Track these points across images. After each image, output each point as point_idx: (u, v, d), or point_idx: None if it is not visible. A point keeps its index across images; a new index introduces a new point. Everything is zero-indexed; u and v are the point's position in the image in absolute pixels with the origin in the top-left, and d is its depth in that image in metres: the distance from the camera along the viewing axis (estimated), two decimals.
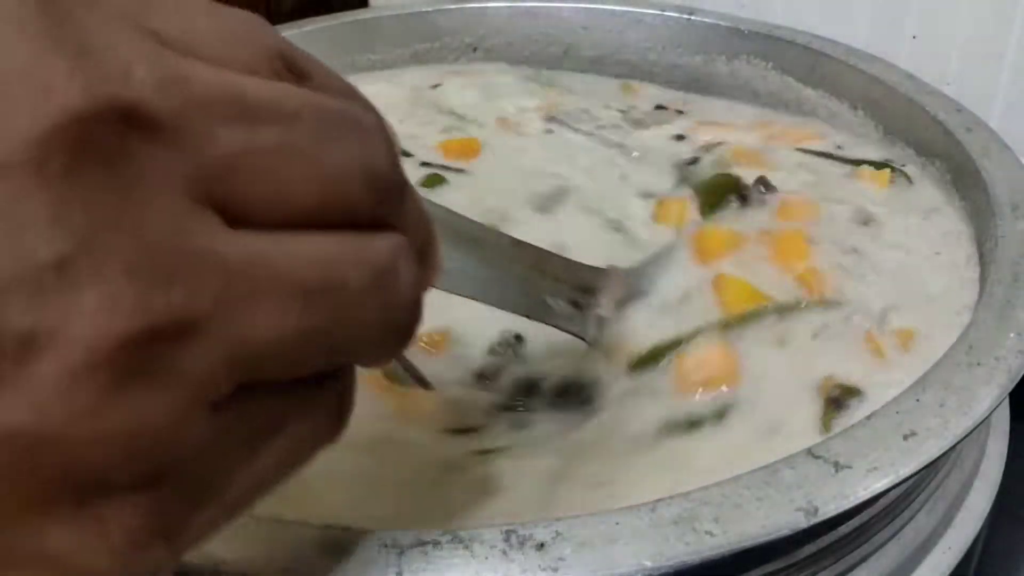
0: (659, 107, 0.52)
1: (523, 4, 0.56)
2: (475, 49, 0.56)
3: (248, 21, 0.16)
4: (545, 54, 0.56)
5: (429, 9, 0.56)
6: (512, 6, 0.56)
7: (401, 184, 0.17)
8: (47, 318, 0.12)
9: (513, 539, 0.23)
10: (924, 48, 0.51)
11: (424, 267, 0.18)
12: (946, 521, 0.32)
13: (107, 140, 0.13)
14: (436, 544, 0.23)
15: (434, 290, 0.20)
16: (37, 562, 0.14)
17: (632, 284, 0.34)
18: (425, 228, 0.19)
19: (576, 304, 0.32)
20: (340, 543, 0.23)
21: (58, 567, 0.14)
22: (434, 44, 0.56)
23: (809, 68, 0.50)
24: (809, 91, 0.50)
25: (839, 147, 0.46)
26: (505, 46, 0.56)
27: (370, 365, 0.18)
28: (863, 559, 0.29)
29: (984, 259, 0.35)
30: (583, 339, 0.33)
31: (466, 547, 0.23)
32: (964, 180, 0.40)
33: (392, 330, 0.18)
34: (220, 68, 0.15)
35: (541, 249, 0.33)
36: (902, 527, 0.30)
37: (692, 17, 0.53)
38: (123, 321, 0.13)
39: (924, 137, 0.43)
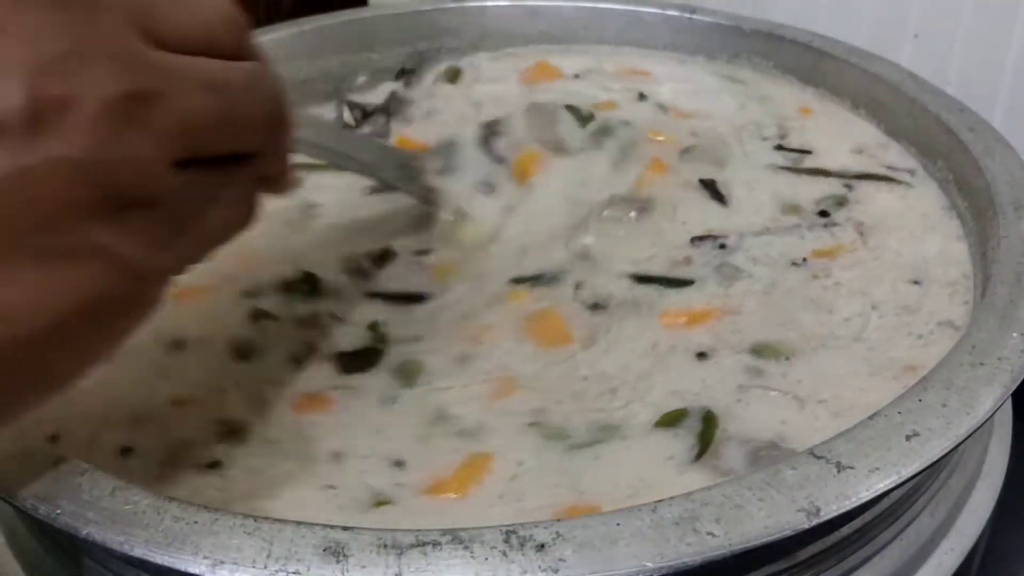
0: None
1: (523, 3, 0.56)
2: (475, 49, 0.56)
3: None
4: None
5: (429, 8, 0.56)
6: (512, 5, 0.56)
7: (244, 23, 0.26)
8: (74, 82, 0.21)
9: (513, 540, 0.23)
10: (926, 47, 0.51)
11: (279, 88, 0.27)
12: (949, 522, 0.32)
13: None
14: (436, 545, 0.23)
15: None
16: (92, 254, 0.22)
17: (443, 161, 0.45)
18: (272, 67, 0.27)
19: (403, 174, 0.44)
20: (340, 543, 0.23)
21: (109, 258, 0.22)
22: (433, 43, 0.56)
23: (811, 67, 0.50)
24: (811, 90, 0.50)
25: None
26: (505, 46, 0.56)
27: (271, 168, 0.28)
28: (865, 560, 0.29)
29: (987, 259, 0.35)
30: (423, 201, 0.44)
31: (466, 547, 0.23)
32: (966, 180, 0.40)
33: (272, 125, 0.27)
34: None
35: (370, 138, 0.49)
36: (905, 528, 0.30)
37: (693, 16, 0.53)
38: (121, 83, 0.21)
39: (926, 137, 0.43)
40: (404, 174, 0.44)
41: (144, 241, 0.23)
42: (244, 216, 0.27)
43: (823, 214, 0.41)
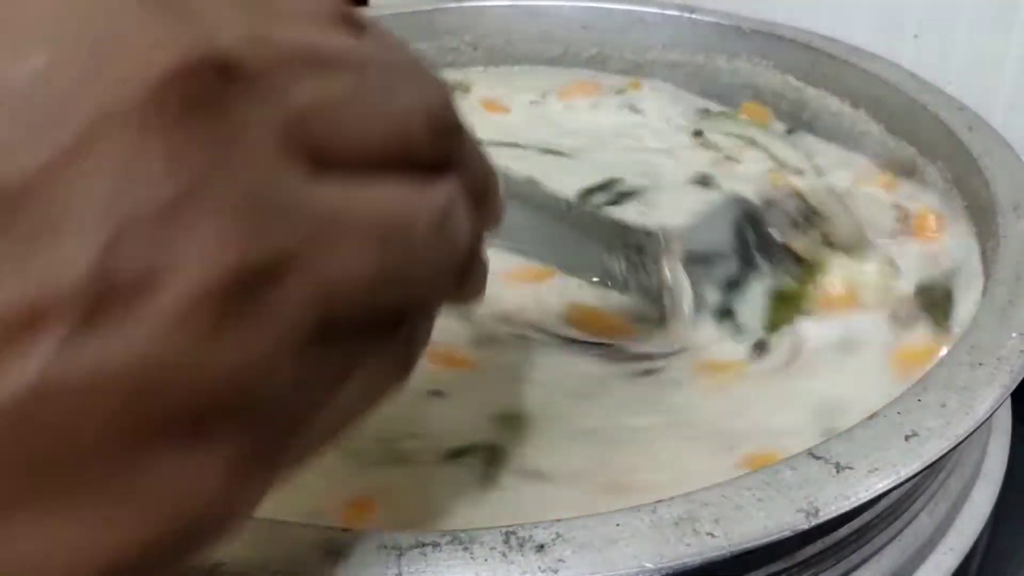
0: None
1: (523, 3, 0.56)
2: (475, 48, 0.56)
3: None
4: (544, 53, 0.56)
5: (428, 8, 0.56)
6: (512, 5, 0.56)
7: (458, 124, 0.19)
8: (163, 255, 0.13)
9: (513, 540, 0.23)
10: (926, 47, 0.51)
11: (483, 210, 0.20)
12: (948, 522, 0.32)
13: (209, 91, 0.14)
14: (435, 545, 0.23)
15: None
16: (153, 493, 0.14)
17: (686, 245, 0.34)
18: (484, 169, 0.20)
19: (632, 265, 0.32)
20: (339, 544, 0.23)
21: (173, 497, 0.14)
22: (433, 43, 0.56)
23: (810, 67, 0.50)
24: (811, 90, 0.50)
25: None
26: (504, 45, 0.56)
27: (438, 310, 0.20)
28: (864, 560, 0.29)
29: (986, 258, 0.35)
30: (648, 301, 0.32)
31: (465, 548, 0.23)
32: (966, 179, 0.40)
33: (454, 270, 0.19)
34: (296, 25, 0.16)
35: (595, 211, 0.34)
36: (903, 528, 0.30)
37: (693, 15, 0.53)
38: (231, 258, 0.14)
39: (926, 136, 0.43)
40: (631, 262, 0.32)
41: (236, 462, 0.15)
42: (393, 381, 0.19)
43: None
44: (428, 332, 0.20)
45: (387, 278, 0.17)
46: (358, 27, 0.18)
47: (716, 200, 0.38)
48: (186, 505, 0.15)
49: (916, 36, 0.51)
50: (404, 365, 0.19)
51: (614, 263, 0.31)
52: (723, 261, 0.34)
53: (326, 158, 0.16)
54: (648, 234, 0.34)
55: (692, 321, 0.33)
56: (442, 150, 0.18)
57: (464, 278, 0.19)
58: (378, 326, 0.17)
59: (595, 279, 0.32)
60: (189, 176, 0.13)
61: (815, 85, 0.50)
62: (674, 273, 0.33)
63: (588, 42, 0.56)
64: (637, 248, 0.32)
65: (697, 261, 0.34)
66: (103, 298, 0.13)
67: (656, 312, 0.33)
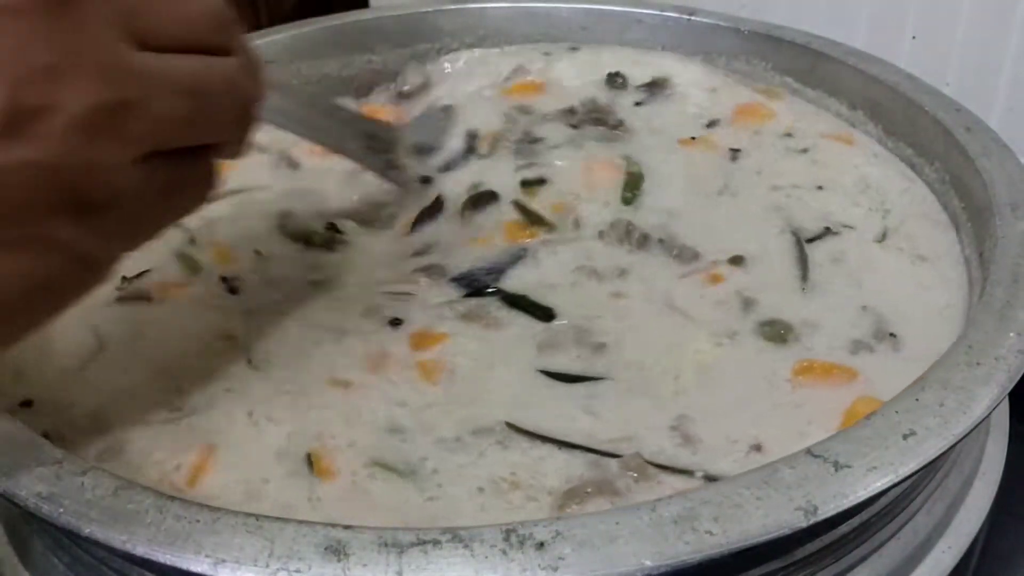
0: None
1: (523, 5, 0.56)
2: (475, 49, 0.56)
3: None
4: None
5: (429, 10, 0.56)
6: (512, 7, 0.56)
7: (234, 21, 0.28)
8: (51, 95, 0.23)
9: (513, 538, 0.23)
10: (924, 49, 0.51)
11: (255, 80, 0.29)
12: (946, 520, 0.32)
13: None
14: (436, 543, 0.23)
15: None
16: (48, 248, 0.24)
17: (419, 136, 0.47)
18: (253, 56, 0.29)
19: (369, 147, 0.44)
20: (340, 542, 0.23)
21: (63, 251, 0.24)
22: (434, 44, 0.56)
23: (809, 68, 0.50)
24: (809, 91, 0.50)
25: None
26: (505, 46, 0.56)
27: (229, 150, 0.29)
28: (863, 558, 0.29)
29: (984, 259, 0.35)
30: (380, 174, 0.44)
31: (466, 546, 0.23)
32: (963, 180, 0.40)
33: (239, 118, 0.28)
34: None
35: (347, 109, 0.46)
36: (902, 526, 0.30)
37: (692, 17, 0.54)
38: (91, 100, 0.23)
39: (923, 137, 0.43)
40: (370, 147, 0.43)
41: (100, 236, 0.25)
42: (200, 196, 0.29)
43: None
44: (224, 160, 0.29)
45: (196, 119, 0.26)
46: None
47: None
48: (68, 259, 0.24)
49: (914, 38, 0.51)
50: (209, 184, 0.29)
51: (352, 141, 0.43)
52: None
53: (148, 40, 0.25)
54: (381, 126, 0.46)
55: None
56: (224, 39, 0.27)
57: (244, 128, 0.29)
58: (191, 153, 0.27)
59: (334, 150, 0.43)
60: (61, 47, 0.23)
61: (813, 87, 0.50)
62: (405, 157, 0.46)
63: (588, 44, 0.56)
64: (371, 135, 0.44)
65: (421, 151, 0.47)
66: (17, 119, 0.22)
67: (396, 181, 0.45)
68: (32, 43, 0.22)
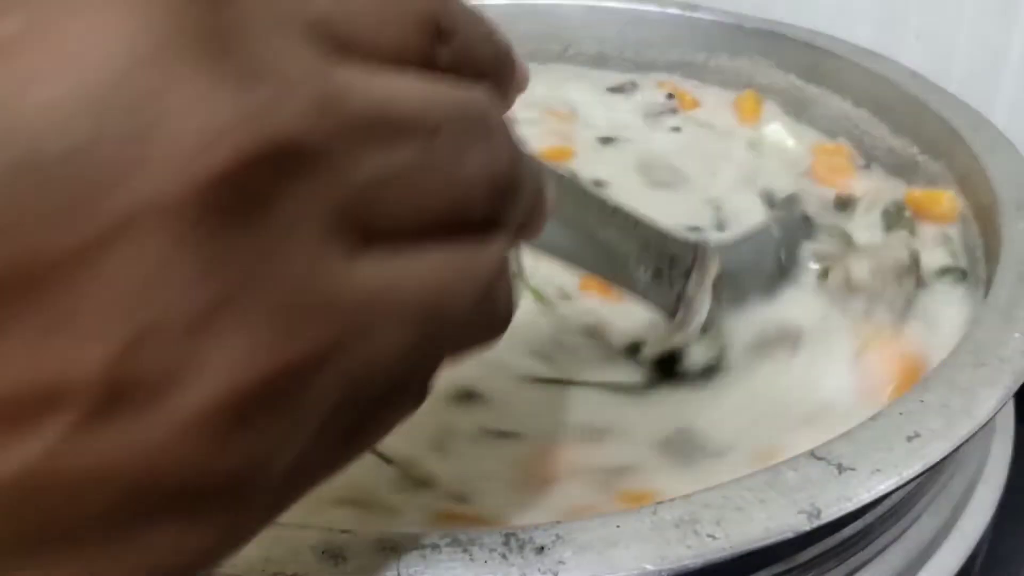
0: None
1: (524, 1, 0.56)
2: None
3: None
4: (545, 51, 0.56)
5: None
6: (513, 4, 0.56)
7: (517, 183, 0.17)
8: (187, 362, 0.13)
9: (512, 542, 0.23)
10: (928, 47, 0.50)
11: (527, 232, 0.19)
12: (950, 523, 0.32)
13: (261, 189, 0.13)
14: (435, 547, 0.23)
15: None
16: (142, 556, 0.14)
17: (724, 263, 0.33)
18: (536, 216, 0.19)
19: (659, 274, 0.31)
20: (339, 546, 0.23)
21: (161, 557, 0.14)
22: None
23: (812, 66, 0.49)
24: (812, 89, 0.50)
25: None
26: None
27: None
28: (866, 562, 0.29)
29: (989, 258, 0.35)
30: (664, 311, 0.32)
31: (465, 550, 0.23)
32: (969, 179, 0.39)
33: (487, 329, 0.18)
34: (373, 69, 0.15)
35: (634, 213, 0.31)
36: (906, 529, 0.30)
37: (695, 14, 0.53)
38: (259, 366, 0.13)
39: (929, 136, 0.43)
40: (659, 274, 0.31)
41: (226, 528, 0.15)
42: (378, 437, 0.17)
43: None
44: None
45: (419, 354, 0.16)
46: (447, 31, 0.16)
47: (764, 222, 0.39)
48: (170, 562, 0.14)
49: (918, 36, 0.51)
50: (420, 399, 0.18)
51: (640, 268, 0.30)
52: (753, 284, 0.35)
53: (377, 232, 0.15)
54: (686, 246, 0.33)
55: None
56: (499, 211, 0.17)
57: (498, 330, 0.18)
58: (392, 392, 0.16)
59: (611, 278, 0.31)
60: (223, 285, 0.13)
61: (817, 84, 0.49)
62: (701, 290, 0.32)
63: (589, 41, 0.55)
64: (671, 258, 0.31)
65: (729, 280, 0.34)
66: (118, 394, 0.12)
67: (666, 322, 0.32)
68: (179, 277, 0.12)
